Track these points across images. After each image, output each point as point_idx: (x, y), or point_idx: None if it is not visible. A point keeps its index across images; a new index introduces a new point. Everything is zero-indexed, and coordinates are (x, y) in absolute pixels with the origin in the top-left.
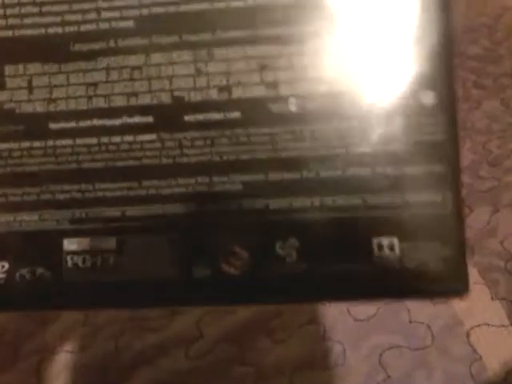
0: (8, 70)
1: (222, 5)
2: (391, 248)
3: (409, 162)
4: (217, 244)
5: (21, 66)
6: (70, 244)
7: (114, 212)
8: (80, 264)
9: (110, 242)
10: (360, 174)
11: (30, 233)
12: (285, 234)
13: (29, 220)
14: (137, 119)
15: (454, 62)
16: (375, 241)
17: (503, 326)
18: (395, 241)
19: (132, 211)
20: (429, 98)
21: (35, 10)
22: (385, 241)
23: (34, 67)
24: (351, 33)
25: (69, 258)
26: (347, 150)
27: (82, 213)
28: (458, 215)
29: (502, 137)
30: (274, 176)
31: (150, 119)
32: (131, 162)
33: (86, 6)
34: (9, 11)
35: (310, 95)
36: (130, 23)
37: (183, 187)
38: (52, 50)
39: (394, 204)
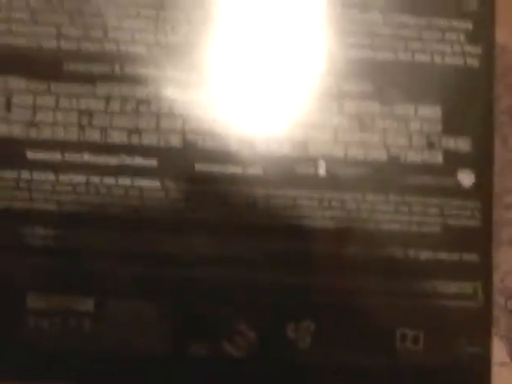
0: None
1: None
2: (415, 341)
3: (441, 246)
4: (220, 318)
5: (0, 79)
6: (35, 300)
7: (96, 267)
8: (46, 327)
9: (88, 303)
10: (389, 254)
11: None
12: (299, 315)
13: None
14: (138, 161)
15: (493, 141)
16: (399, 331)
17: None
18: (420, 333)
19: (118, 268)
20: (467, 179)
21: (28, 16)
22: (409, 332)
23: (16, 81)
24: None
25: (32, 317)
26: (377, 226)
27: (54, 264)
28: (488, 310)
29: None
30: (293, 246)
31: (153, 163)
32: (125, 211)
33: (90, 20)
34: None
35: (342, 159)
36: (141, 49)
37: (185, 246)
38: (42, 66)
39: (423, 292)
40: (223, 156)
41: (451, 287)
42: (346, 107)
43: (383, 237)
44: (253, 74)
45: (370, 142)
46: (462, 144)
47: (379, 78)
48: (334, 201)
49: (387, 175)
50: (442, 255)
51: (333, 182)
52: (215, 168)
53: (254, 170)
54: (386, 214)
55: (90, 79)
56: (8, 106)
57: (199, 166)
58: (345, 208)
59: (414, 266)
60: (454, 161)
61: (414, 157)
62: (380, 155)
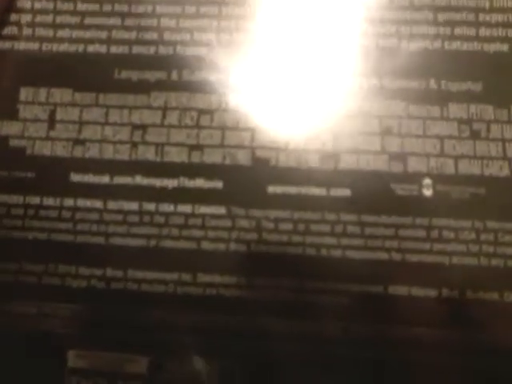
0: (24, 93)
1: None
2: None
3: None
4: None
5: (43, 91)
6: (76, 358)
7: (151, 317)
8: None
9: (140, 364)
10: None
11: (28, 333)
12: None
13: (22, 313)
14: (199, 183)
15: None
16: None
17: None
18: None
19: (179, 319)
20: None
21: (75, 20)
22: None
23: (61, 94)
24: None
25: (74, 380)
26: (505, 264)
27: (101, 312)
28: None
29: None
30: (397, 290)
31: (219, 185)
32: (185, 244)
33: (143, 21)
34: (38, 18)
35: (453, 177)
36: (202, 51)
37: (259, 290)
38: (89, 75)
39: None
40: (301, 175)
41: None
42: (452, 112)
43: None
44: (332, 77)
45: (486, 154)
46: None
47: (490, 75)
48: (446, 230)
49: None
50: None
51: (442, 205)
52: (292, 190)
53: (341, 192)
54: None
55: (144, 88)
56: (52, 121)
57: (272, 189)
58: (460, 239)
59: None
60: None
61: None
62: (499, 170)
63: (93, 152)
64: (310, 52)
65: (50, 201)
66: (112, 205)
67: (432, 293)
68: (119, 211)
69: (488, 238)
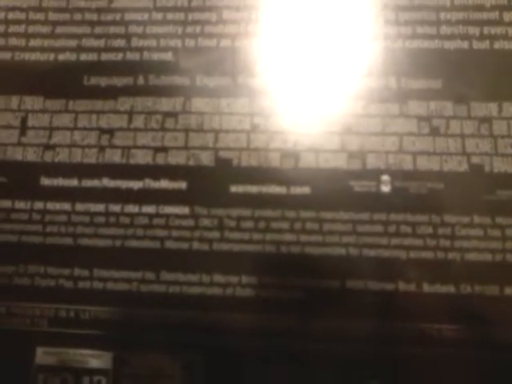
0: None
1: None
2: None
3: None
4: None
5: (15, 99)
6: (44, 355)
7: (116, 314)
8: None
9: (105, 359)
10: (479, 293)
11: None
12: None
13: None
14: (164, 184)
15: None
16: None
17: None
18: None
19: (140, 317)
20: None
21: (46, 29)
22: None
23: (32, 101)
24: None
25: (41, 376)
26: (461, 257)
27: (69, 310)
28: None
29: None
30: (353, 284)
31: (182, 186)
32: (149, 244)
33: (112, 29)
34: (12, 28)
35: (411, 173)
36: (167, 56)
37: (221, 286)
38: (60, 82)
39: None
40: (263, 174)
41: None
42: (412, 109)
43: (470, 271)
44: (295, 78)
45: (445, 150)
46: None
47: (450, 72)
48: (404, 224)
49: (469, 190)
50: None
51: (400, 200)
52: (253, 189)
53: (301, 189)
54: (471, 240)
55: (112, 94)
56: (23, 128)
57: (234, 188)
58: (417, 234)
59: None
60: None
61: (502, 166)
62: (458, 165)
63: (62, 156)
64: (272, 54)
65: (21, 204)
66: (80, 207)
67: (389, 286)
68: (87, 213)
69: (445, 232)
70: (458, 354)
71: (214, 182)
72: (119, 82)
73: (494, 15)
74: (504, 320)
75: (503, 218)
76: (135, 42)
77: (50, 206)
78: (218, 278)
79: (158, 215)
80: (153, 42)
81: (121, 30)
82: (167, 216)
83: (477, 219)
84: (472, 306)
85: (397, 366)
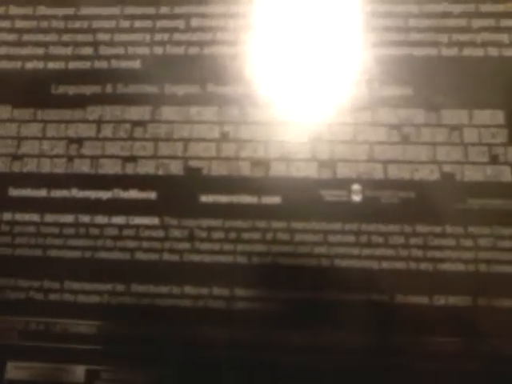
0: None
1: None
2: None
3: None
4: None
5: None
6: (14, 370)
7: (87, 327)
8: None
9: (77, 373)
10: (454, 305)
11: None
12: None
13: None
14: (133, 194)
15: None
16: None
17: None
18: None
19: (114, 328)
20: None
21: (12, 37)
22: None
23: (0, 110)
24: None
25: None
26: (434, 267)
27: (39, 323)
28: None
29: None
30: (325, 295)
31: (151, 196)
32: (119, 255)
33: (79, 36)
34: None
35: (382, 183)
36: (136, 64)
37: (192, 299)
38: (28, 91)
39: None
40: (233, 183)
41: None
42: (382, 116)
43: (444, 281)
44: (265, 85)
45: (416, 159)
46: None
47: (420, 79)
48: (376, 235)
49: (440, 199)
50: None
51: (371, 210)
52: (223, 199)
53: (272, 199)
54: (443, 250)
55: (80, 103)
56: None
57: (205, 198)
58: (389, 244)
59: (486, 316)
60: None
61: (473, 175)
62: (429, 174)
63: (31, 167)
64: (241, 61)
65: None
66: (49, 218)
67: (361, 297)
68: (56, 224)
69: (417, 242)
70: (432, 365)
71: (183, 191)
72: (87, 90)
73: (462, 22)
74: (477, 331)
75: (475, 228)
76: (103, 50)
77: (19, 217)
78: (189, 289)
79: (127, 226)
80: (121, 50)
81: (88, 37)
82: (137, 227)
83: (449, 229)
84: (445, 317)
85: (369, 377)
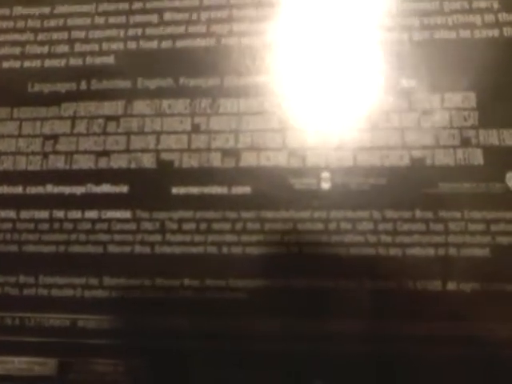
0: None
1: (232, 40)
2: None
3: (491, 276)
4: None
5: None
6: None
7: (61, 320)
8: None
9: (49, 366)
10: (422, 288)
11: None
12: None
13: None
14: (106, 188)
15: None
16: None
17: None
18: None
19: (86, 321)
20: None
21: None
22: None
23: None
24: None
25: None
26: (403, 252)
27: (14, 318)
28: None
29: None
30: (294, 282)
31: (124, 189)
32: (92, 249)
33: (55, 35)
34: None
35: (352, 170)
36: (110, 59)
37: (163, 290)
38: (4, 90)
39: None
40: (204, 175)
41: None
42: (350, 103)
43: (412, 266)
44: (235, 76)
45: (385, 144)
46: (509, 137)
47: (391, 64)
48: (344, 221)
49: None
50: (495, 286)
51: (340, 197)
52: (194, 190)
53: (242, 189)
54: (413, 235)
55: (55, 100)
56: None
57: (176, 190)
58: (358, 230)
59: (456, 300)
60: (499, 160)
61: (444, 158)
62: (399, 159)
63: (7, 164)
64: (211, 53)
65: None
66: (25, 214)
67: (330, 284)
68: (31, 220)
69: (386, 227)
70: (400, 351)
71: (155, 184)
72: (62, 87)
73: (434, 5)
74: (446, 315)
75: (446, 212)
76: (78, 47)
77: None
78: (160, 281)
79: (100, 220)
80: (95, 47)
81: (64, 35)
82: (109, 220)
83: (419, 213)
84: (414, 302)
85: (337, 365)
